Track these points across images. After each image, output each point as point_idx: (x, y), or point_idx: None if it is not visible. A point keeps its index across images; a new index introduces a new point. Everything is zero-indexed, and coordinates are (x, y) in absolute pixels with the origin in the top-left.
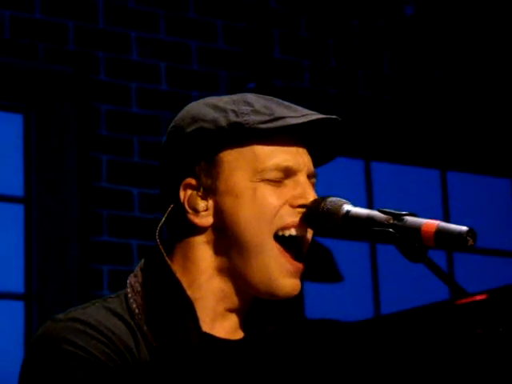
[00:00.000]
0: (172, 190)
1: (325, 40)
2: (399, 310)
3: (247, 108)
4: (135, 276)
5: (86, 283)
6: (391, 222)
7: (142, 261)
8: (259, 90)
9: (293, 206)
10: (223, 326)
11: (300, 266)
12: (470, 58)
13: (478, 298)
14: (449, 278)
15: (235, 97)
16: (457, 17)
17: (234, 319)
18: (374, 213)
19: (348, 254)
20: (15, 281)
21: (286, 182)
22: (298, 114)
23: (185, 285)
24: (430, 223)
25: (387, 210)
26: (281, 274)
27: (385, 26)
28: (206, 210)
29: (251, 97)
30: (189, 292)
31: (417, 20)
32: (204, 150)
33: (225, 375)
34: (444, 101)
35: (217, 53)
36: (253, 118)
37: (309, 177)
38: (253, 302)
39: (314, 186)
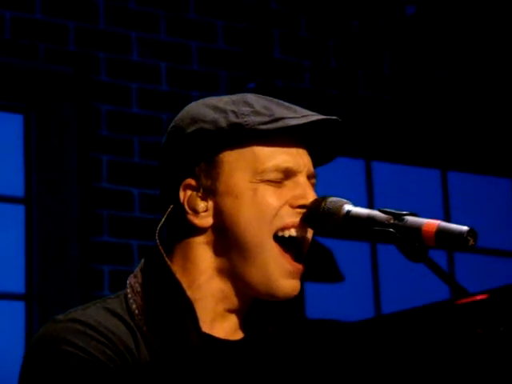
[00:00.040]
0: (172, 191)
1: (325, 40)
2: (400, 310)
3: (247, 109)
4: (135, 276)
5: (86, 283)
6: (392, 221)
7: (142, 261)
8: (259, 91)
9: (293, 207)
10: (223, 326)
11: (300, 266)
12: (470, 58)
13: (479, 297)
14: (449, 278)
15: (235, 97)
16: (457, 17)
17: (233, 320)
18: (375, 213)
19: (349, 253)
20: (16, 281)
21: (286, 182)
22: (297, 115)
23: (184, 285)
24: (431, 223)
25: (388, 210)
26: (280, 274)
27: (385, 26)
28: (206, 210)
29: (251, 97)
30: (188, 292)
31: (417, 20)
32: (204, 151)
33: (224, 376)
34: (444, 101)
35: (217, 53)
36: (253, 119)
37: (309, 177)
38: (253, 303)
39: (314, 186)
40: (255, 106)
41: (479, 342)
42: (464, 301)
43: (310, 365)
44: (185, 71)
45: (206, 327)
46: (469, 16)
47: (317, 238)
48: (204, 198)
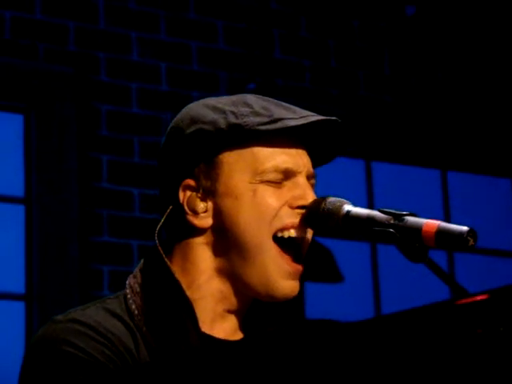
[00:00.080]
0: (171, 192)
1: (325, 40)
2: (400, 310)
3: (246, 109)
4: (134, 277)
5: (86, 283)
6: (392, 222)
7: (141, 262)
8: (260, 91)
9: (292, 207)
10: (222, 326)
11: (299, 267)
12: (470, 59)
13: (479, 298)
14: (449, 278)
15: (234, 98)
16: (458, 17)
17: (233, 320)
18: (375, 213)
19: (348, 254)
20: (16, 281)
21: (286, 183)
22: (297, 116)
23: (184, 285)
24: (431, 223)
25: (388, 210)
26: (279, 275)
27: (385, 26)
28: (206, 211)
29: (250, 98)
30: (188, 293)
31: (417, 20)
32: (203, 152)
33: (224, 376)
34: (444, 101)
35: (217, 53)
36: (252, 120)
37: (308, 178)
38: (252, 303)
39: (314, 187)
40: (254, 107)
41: (479, 343)
42: (464, 301)
43: (309, 365)
44: (185, 71)
45: (205, 327)
46: (469, 16)
47: (317, 238)
48: (203, 199)
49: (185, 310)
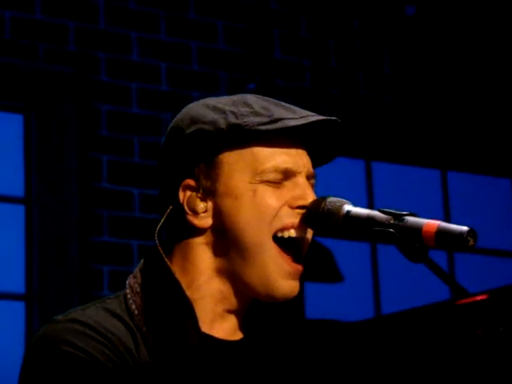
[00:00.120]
0: (171, 192)
1: (325, 40)
2: (400, 310)
3: (246, 109)
4: (134, 277)
5: (86, 283)
6: (392, 222)
7: (141, 262)
8: (260, 91)
9: (292, 207)
10: (222, 326)
11: (299, 267)
12: (470, 59)
13: (479, 298)
14: (449, 278)
15: (234, 98)
16: (458, 17)
17: (233, 320)
18: (375, 213)
19: (348, 254)
20: (16, 281)
21: (286, 183)
22: (296, 116)
23: (184, 285)
24: (431, 223)
25: (388, 210)
26: (279, 275)
27: (385, 26)
28: (206, 211)
29: (250, 98)
30: (188, 293)
31: (417, 20)
32: (203, 152)
33: (224, 376)
34: (444, 101)
35: (217, 53)
36: (252, 120)
37: (308, 178)
38: (252, 303)
39: (314, 187)
40: (254, 107)
41: (479, 343)
42: (464, 301)
43: (309, 365)
44: (185, 71)
45: (205, 327)
46: (469, 16)
47: (317, 238)
48: (203, 199)
49: (185, 309)
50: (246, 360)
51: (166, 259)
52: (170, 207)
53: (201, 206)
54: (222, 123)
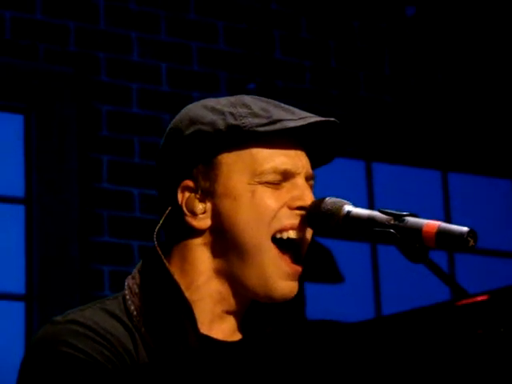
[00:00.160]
0: (170, 192)
1: (325, 41)
2: (400, 311)
3: (245, 110)
4: (133, 278)
5: (86, 284)
6: (392, 222)
7: (140, 262)
8: (260, 91)
9: (291, 208)
10: (221, 327)
11: (298, 268)
12: (470, 59)
13: (479, 298)
14: (450, 279)
15: (233, 99)
16: (458, 18)
17: (232, 321)
18: (375, 213)
19: (349, 254)
20: (16, 281)
21: (285, 184)
22: (295, 117)
23: (183, 287)
24: (431, 224)
25: (388, 211)
26: (278, 276)
27: (385, 26)
28: (204, 212)
29: (249, 99)
30: (187, 294)
31: (418, 21)
32: (202, 153)
33: (223, 377)
34: (445, 102)
35: (217, 54)
36: (251, 121)
37: (307, 179)
38: (251, 304)
39: (313, 188)
40: (253, 108)
41: (480, 343)
42: (464, 302)
43: (309, 366)
44: (185, 72)
45: (204, 328)
46: (469, 17)
47: (317, 239)
48: (202, 200)
49: (183, 311)
50: (245, 361)
51: (164, 260)
52: (169, 208)
53: (199, 207)
54: (220, 124)
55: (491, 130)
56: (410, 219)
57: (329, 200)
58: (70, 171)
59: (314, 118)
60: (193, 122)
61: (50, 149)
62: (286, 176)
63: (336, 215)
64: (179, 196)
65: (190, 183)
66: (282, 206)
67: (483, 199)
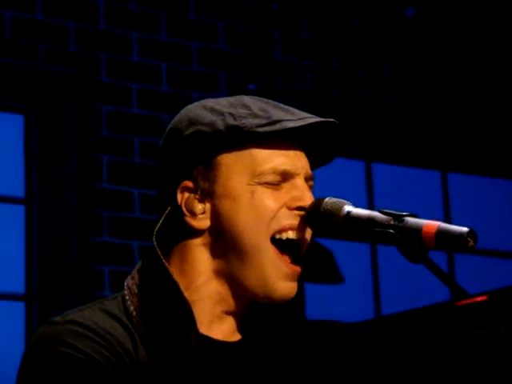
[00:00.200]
0: (169, 193)
1: (326, 41)
2: (400, 311)
3: (245, 111)
4: (132, 278)
5: (86, 284)
6: (392, 222)
7: (140, 263)
8: (260, 91)
9: (290, 209)
10: (221, 328)
11: (297, 268)
12: (470, 60)
13: (479, 299)
14: (449, 279)
15: (233, 99)
16: (458, 18)
17: (231, 321)
18: (375, 214)
19: (349, 254)
20: (16, 281)
21: (284, 185)
22: (295, 118)
23: (182, 287)
24: (431, 224)
25: (388, 211)
26: (278, 277)
27: (386, 27)
28: (204, 212)
29: (248, 99)
30: (186, 294)
31: (418, 21)
32: (201, 153)
33: (222, 377)
34: (445, 102)
35: (218, 54)
36: (250, 122)
37: (306, 180)
38: (251, 305)
39: (312, 188)
40: (253, 109)
41: (479, 344)
42: (464, 302)
43: (308, 366)
44: (185, 72)
45: (203, 329)
46: (469, 17)
47: (317, 239)
48: (201, 200)
49: (183, 311)
50: (244, 361)
51: (163, 260)
52: (168, 208)
53: (199, 207)
54: (220, 125)
55: (491, 130)
56: (410, 219)
57: (329, 200)
58: (70, 171)
59: (313, 119)
60: (192, 122)
61: (50, 149)
62: (286, 176)
63: (336, 215)
64: (179, 196)
65: (189, 184)
66: (281, 207)
67: (483, 199)
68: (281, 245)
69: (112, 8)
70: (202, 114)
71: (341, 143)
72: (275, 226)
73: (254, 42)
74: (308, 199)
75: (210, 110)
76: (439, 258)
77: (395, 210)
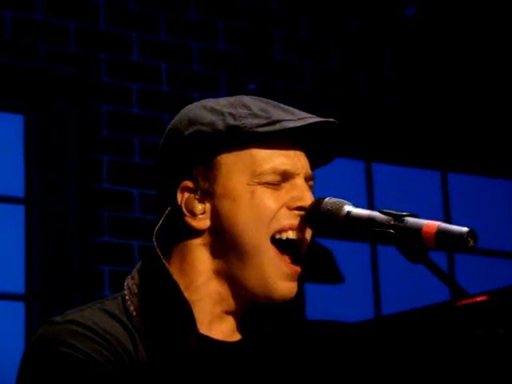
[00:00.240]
0: (169, 193)
1: (326, 41)
2: (400, 311)
3: (244, 111)
4: (132, 278)
5: (86, 284)
6: (392, 222)
7: (140, 263)
8: (260, 91)
9: (290, 209)
10: (221, 328)
11: (297, 268)
12: (470, 60)
13: (479, 299)
14: (449, 279)
15: (232, 99)
16: (458, 18)
17: (231, 321)
18: (375, 214)
19: (349, 254)
20: (16, 281)
21: (284, 185)
22: (295, 118)
23: (182, 287)
24: (431, 224)
25: (388, 211)
26: (278, 277)
27: (386, 27)
28: (204, 213)
29: (248, 99)
30: (186, 294)
31: (418, 21)
32: (201, 153)
33: (222, 377)
34: (444, 102)
35: (218, 54)
36: (250, 122)
37: (306, 180)
38: (251, 305)
39: (312, 188)
40: (253, 109)
41: (479, 344)
42: (464, 302)
43: (309, 366)
44: (185, 72)
45: (203, 329)
46: (469, 17)
47: (317, 239)
48: (201, 201)
49: (183, 311)
50: (244, 361)
51: (163, 260)
52: (168, 209)
53: (199, 207)
54: (220, 125)
55: (491, 130)
56: (410, 219)
57: (329, 200)
58: (70, 171)
59: (313, 119)
60: (192, 122)
61: (50, 149)
62: (286, 176)
63: (336, 215)
64: (178, 196)
65: (189, 184)
66: (281, 207)
67: (483, 199)
68: (281, 245)
69: (112, 8)
70: (202, 114)
71: (341, 143)
72: (275, 226)
73: (254, 42)
74: (308, 199)
75: (210, 109)
76: (439, 258)
77: (395, 210)
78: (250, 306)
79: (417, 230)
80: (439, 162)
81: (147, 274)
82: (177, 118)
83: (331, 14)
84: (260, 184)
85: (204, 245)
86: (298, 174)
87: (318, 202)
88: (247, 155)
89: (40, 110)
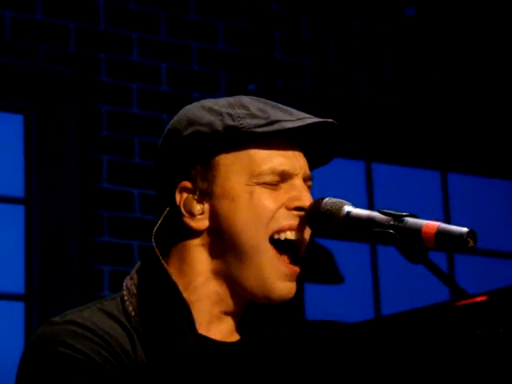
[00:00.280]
0: (168, 193)
1: (326, 41)
2: (399, 312)
3: (243, 111)
4: (131, 278)
5: (86, 284)
6: (392, 223)
7: (138, 263)
8: (260, 92)
9: (289, 209)
10: (219, 328)
11: (296, 269)
12: (470, 60)
13: (479, 299)
14: (449, 279)
15: (231, 100)
16: (458, 18)
17: (230, 322)
18: (375, 214)
19: (348, 255)
20: (15, 281)
21: (282, 185)
22: (293, 118)
23: (181, 287)
24: (431, 224)
25: (388, 211)
26: (276, 277)
27: (386, 27)
28: (202, 213)
29: (247, 100)
30: (185, 294)
31: (418, 21)
32: (200, 154)
33: (221, 377)
34: (444, 102)
35: (218, 54)
36: (249, 122)
37: (305, 180)
38: (249, 305)
39: (311, 189)
40: (251, 109)
41: (479, 344)
42: (464, 302)
43: (308, 366)
44: (185, 72)
45: (202, 329)
46: (469, 17)
47: (317, 240)
48: (200, 201)
49: (181, 311)
50: (243, 362)
51: (162, 261)
52: (167, 209)
53: (197, 207)
54: (218, 125)
55: (491, 130)
56: (410, 220)
57: (328, 200)
58: (70, 171)
59: (311, 119)
60: (191, 122)
61: (50, 149)
62: (284, 177)
63: (336, 216)
64: (177, 197)
65: (187, 184)
66: (279, 207)
67: (483, 200)
68: (279, 245)
69: (112, 8)
70: (201, 115)
71: (339, 143)
72: (274, 227)
73: (254, 42)
74: (306, 199)
75: (209, 110)
76: (439, 258)
77: (395, 210)
78: (248, 307)
79: (416, 231)
80: (439, 162)
81: (146, 274)
82: (176, 118)
83: (331, 13)
84: (258, 184)
85: (203, 245)
86: (297, 175)
87: (317, 202)
88: (246, 155)
89: (40, 109)
